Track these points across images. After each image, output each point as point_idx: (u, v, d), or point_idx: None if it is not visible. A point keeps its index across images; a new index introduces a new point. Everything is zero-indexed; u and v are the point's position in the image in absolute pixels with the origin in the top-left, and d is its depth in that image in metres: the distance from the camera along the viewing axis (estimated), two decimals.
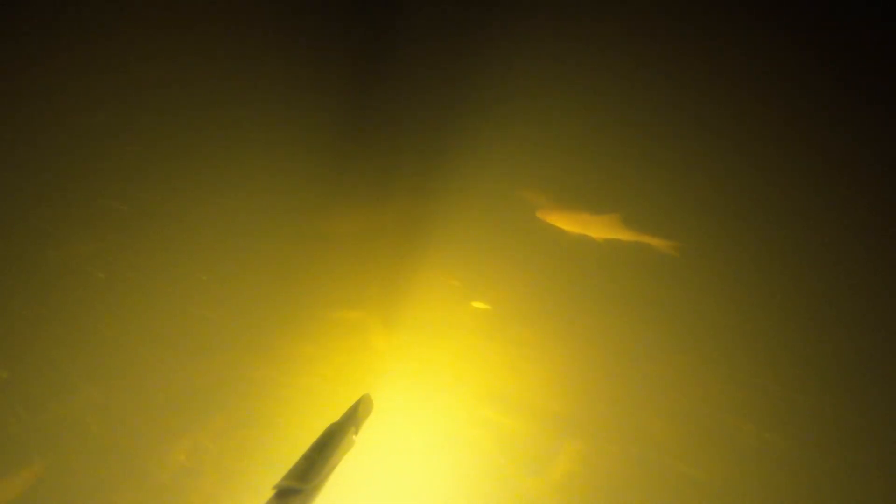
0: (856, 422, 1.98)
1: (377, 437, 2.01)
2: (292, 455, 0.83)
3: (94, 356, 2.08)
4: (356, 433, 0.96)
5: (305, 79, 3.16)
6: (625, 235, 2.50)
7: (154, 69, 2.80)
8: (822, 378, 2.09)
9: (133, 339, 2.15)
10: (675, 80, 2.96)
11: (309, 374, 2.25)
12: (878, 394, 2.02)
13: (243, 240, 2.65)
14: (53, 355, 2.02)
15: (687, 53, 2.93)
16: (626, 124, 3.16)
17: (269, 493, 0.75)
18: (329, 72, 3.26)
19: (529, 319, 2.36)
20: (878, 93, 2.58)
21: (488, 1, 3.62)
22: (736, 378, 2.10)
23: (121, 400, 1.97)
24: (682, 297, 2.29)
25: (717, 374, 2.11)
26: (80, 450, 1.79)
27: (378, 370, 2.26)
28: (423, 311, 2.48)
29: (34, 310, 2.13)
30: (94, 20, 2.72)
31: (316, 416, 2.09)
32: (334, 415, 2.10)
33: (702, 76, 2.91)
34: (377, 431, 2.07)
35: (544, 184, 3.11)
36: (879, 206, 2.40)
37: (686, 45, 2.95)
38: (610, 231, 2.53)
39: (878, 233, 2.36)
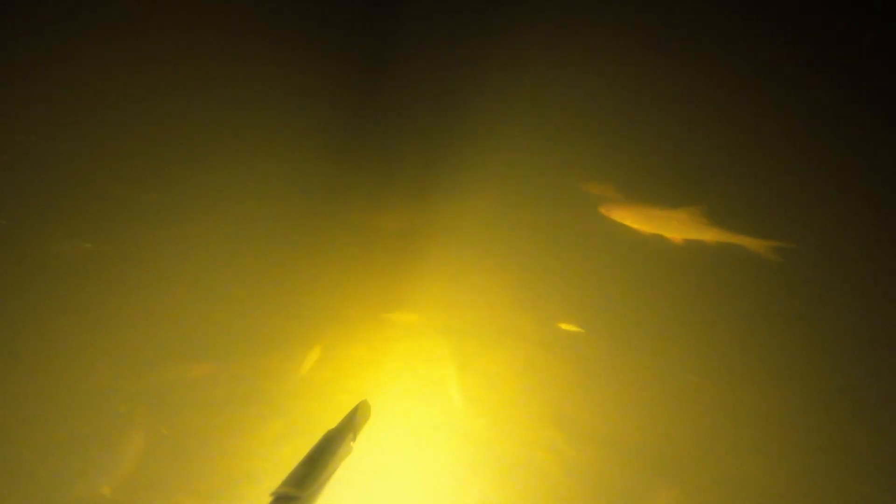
0: None
1: (435, 453, 1.94)
2: (291, 461, 0.79)
3: (157, 352, 2.14)
4: (354, 439, 0.92)
5: (323, 80, 3.11)
6: (710, 235, 2.10)
7: (159, 73, 2.82)
8: None
9: (186, 337, 2.19)
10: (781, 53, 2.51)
11: (363, 378, 2.21)
12: None
13: (291, 235, 2.63)
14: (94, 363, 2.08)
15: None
16: (705, 99, 2.77)
17: (267, 499, 0.72)
18: (365, 72, 3.19)
19: (598, 334, 2.14)
20: None
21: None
22: (856, 419, 1.71)
23: (174, 399, 2.02)
24: (786, 313, 1.92)
25: (835, 413, 1.74)
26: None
27: (435, 379, 2.17)
28: (483, 319, 2.35)
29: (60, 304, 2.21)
30: (98, 23, 2.77)
31: (372, 425, 2.07)
32: (390, 425, 2.06)
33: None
34: (435, 446, 2.01)
35: (608, 173, 2.81)
36: None
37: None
38: (691, 230, 2.13)
39: None
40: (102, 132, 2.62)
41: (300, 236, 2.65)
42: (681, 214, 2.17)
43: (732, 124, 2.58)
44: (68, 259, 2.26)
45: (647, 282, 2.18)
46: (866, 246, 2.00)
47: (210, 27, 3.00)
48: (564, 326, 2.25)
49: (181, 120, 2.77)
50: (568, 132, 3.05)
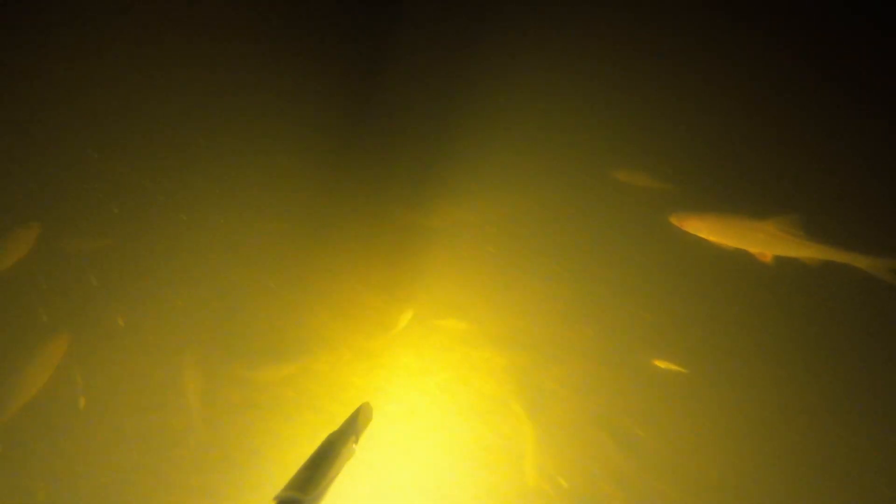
0: None
1: (486, 477, 1.84)
2: (295, 465, 0.80)
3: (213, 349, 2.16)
4: (356, 442, 0.93)
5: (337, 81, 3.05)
6: (808, 251, 1.74)
7: (175, 77, 2.87)
8: None
9: (233, 336, 2.19)
10: None
11: (413, 389, 2.15)
12: None
13: (331, 234, 2.58)
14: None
15: None
16: (789, 83, 2.38)
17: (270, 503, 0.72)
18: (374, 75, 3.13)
19: (669, 355, 1.93)
20: None
21: None
22: None
23: (223, 401, 2.02)
24: None
25: None
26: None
27: (488, 394, 2.06)
28: (536, 329, 2.20)
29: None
30: (105, 29, 2.87)
31: (423, 438, 2.01)
32: (443, 443, 1.98)
33: None
34: (486, 468, 1.90)
35: (677, 175, 2.53)
36: None
37: None
38: (782, 245, 1.79)
39: None
40: (123, 133, 2.70)
41: (341, 235, 2.59)
42: (768, 226, 1.84)
43: (831, 114, 2.20)
44: (89, 254, 2.32)
45: (729, 305, 1.91)
46: None
47: (215, 31, 3.06)
48: (621, 337, 2.06)
49: (206, 121, 2.81)
50: (631, 126, 2.81)
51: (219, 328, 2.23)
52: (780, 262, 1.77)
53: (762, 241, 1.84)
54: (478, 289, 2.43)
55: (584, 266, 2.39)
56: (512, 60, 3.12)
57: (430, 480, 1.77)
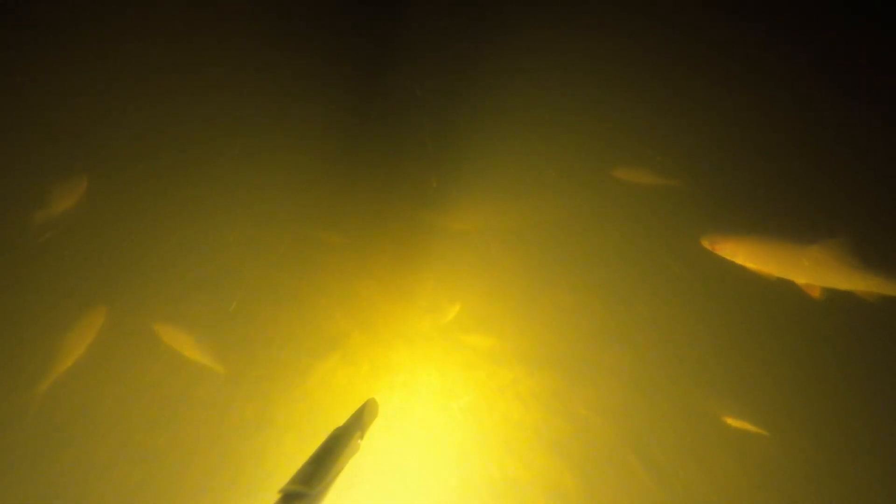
0: None
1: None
2: (300, 459, 0.80)
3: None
4: (361, 437, 0.94)
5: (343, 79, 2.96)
6: (865, 284, 1.56)
7: (169, 78, 2.83)
8: None
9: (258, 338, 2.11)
10: None
11: (437, 410, 2.05)
12: None
13: (342, 233, 2.49)
14: None
15: None
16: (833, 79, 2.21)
17: (275, 497, 0.72)
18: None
19: (711, 386, 1.82)
20: None
21: None
22: None
23: (241, 415, 1.93)
24: None
25: None
26: None
27: (514, 420, 1.96)
28: (567, 346, 2.09)
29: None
30: (108, 32, 2.83)
31: (445, 467, 1.91)
32: (470, 473, 1.88)
33: None
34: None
35: (710, 178, 2.40)
36: None
37: None
38: (832, 275, 1.61)
39: None
40: (127, 134, 2.66)
41: (361, 235, 2.49)
42: (815, 252, 1.65)
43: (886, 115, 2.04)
44: (99, 253, 2.28)
45: (769, 342, 1.77)
46: None
47: (216, 34, 3.01)
48: (659, 362, 1.96)
49: (210, 121, 2.75)
50: (651, 129, 2.70)
51: (235, 333, 2.13)
52: (830, 296, 1.61)
53: (808, 270, 1.65)
54: (504, 300, 2.31)
55: (618, 279, 2.28)
56: (512, 60, 3.02)
57: None
